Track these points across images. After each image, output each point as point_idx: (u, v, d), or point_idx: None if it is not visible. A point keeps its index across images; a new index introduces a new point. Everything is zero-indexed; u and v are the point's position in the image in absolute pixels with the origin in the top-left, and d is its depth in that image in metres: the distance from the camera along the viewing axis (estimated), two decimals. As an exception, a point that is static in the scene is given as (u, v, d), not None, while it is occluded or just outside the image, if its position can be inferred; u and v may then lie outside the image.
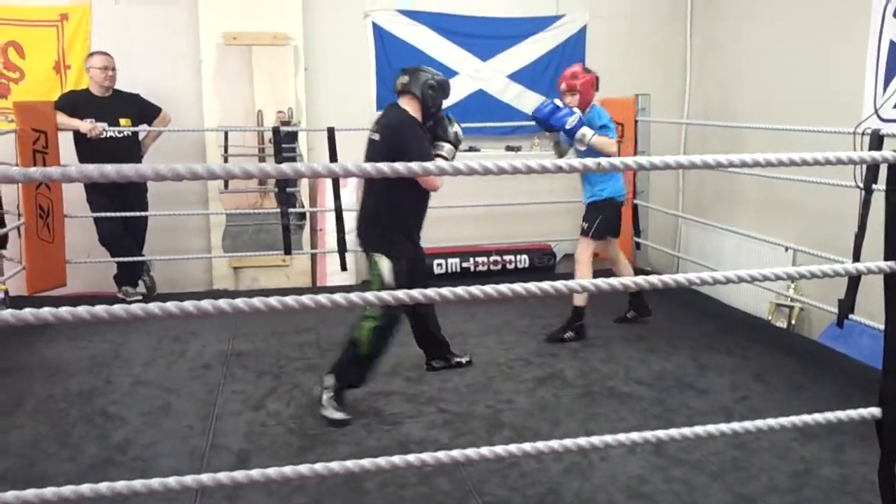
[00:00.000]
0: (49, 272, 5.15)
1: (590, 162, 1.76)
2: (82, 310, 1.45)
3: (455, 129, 3.80)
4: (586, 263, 4.56)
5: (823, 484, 2.92)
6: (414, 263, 3.65)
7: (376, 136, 3.62)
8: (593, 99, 4.60)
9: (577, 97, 4.52)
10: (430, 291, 1.65)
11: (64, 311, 1.45)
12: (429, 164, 1.60)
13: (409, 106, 3.68)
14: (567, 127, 4.34)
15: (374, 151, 3.57)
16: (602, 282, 1.82)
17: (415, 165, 1.56)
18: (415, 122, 3.65)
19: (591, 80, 4.59)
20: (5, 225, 5.12)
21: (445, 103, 3.79)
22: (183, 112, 5.73)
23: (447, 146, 3.76)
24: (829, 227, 4.76)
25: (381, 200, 3.59)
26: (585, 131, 4.34)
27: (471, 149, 6.40)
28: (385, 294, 1.59)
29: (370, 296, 1.57)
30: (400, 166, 1.54)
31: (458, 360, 4.16)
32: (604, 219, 4.57)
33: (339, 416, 3.44)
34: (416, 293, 1.62)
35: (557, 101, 4.45)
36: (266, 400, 3.73)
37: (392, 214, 3.59)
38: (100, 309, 1.46)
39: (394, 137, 3.55)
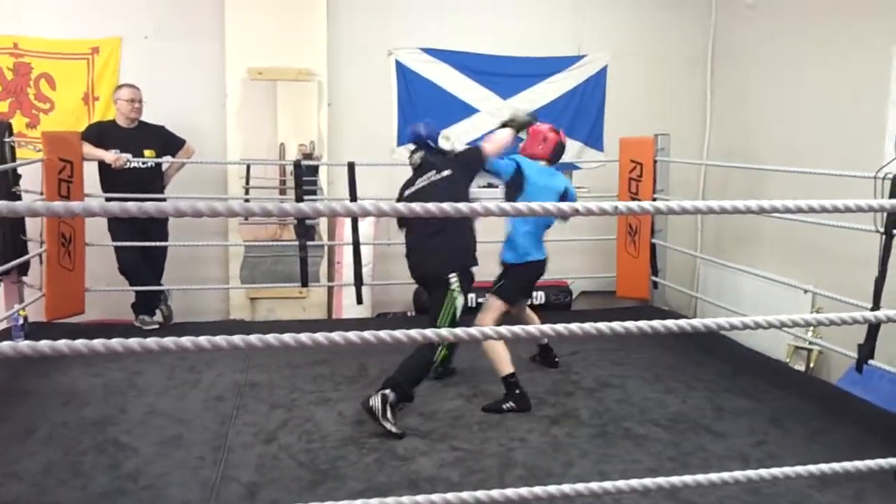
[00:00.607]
0: (68, 299, 5.21)
1: (607, 206, 1.76)
2: (98, 342, 1.46)
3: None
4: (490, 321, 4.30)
5: (842, 534, 2.85)
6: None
7: (446, 172, 4.07)
8: (540, 156, 4.45)
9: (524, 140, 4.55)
10: (450, 331, 1.65)
11: (79, 343, 1.46)
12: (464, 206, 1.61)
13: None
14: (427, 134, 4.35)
15: (447, 187, 4.03)
16: (615, 325, 1.81)
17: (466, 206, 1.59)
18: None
19: (542, 134, 4.48)
20: (27, 252, 5.20)
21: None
22: (206, 144, 5.82)
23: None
24: (849, 270, 4.72)
25: (456, 233, 4.00)
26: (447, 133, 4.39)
27: (489, 185, 6.43)
28: (410, 332, 1.59)
29: (384, 334, 1.57)
30: (418, 207, 1.55)
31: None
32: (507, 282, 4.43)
33: (398, 431, 3.64)
34: (430, 332, 1.62)
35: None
36: (278, 433, 3.72)
37: (462, 245, 4.06)
38: (115, 342, 1.48)
39: (467, 168, 4.15)
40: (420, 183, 4.13)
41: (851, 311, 1.91)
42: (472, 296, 4.40)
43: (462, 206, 1.58)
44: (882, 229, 3.77)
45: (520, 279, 4.50)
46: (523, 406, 4.06)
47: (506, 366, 4.12)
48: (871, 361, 3.90)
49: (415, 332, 1.67)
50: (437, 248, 4.00)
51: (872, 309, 3.81)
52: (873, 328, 3.82)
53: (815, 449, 3.57)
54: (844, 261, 4.83)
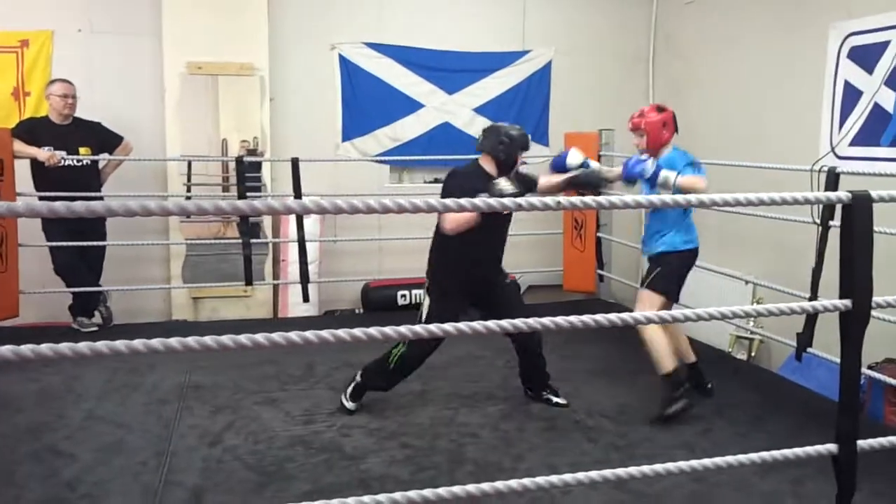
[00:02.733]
0: (1, 303, 5.01)
1: (550, 201, 1.77)
2: (26, 348, 1.40)
3: (503, 185, 3.57)
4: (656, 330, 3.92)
5: (783, 519, 2.92)
6: (458, 300, 3.85)
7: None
8: (668, 140, 4.02)
9: (644, 138, 4.00)
10: (404, 329, 1.63)
11: (6, 349, 1.39)
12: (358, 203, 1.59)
13: (485, 161, 3.82)
14: (646, 176, 3.81)
15: None
16: (552, 320, 1.81)
17: (342, 204, 1.56)
18: (464, 173, 3.83)
19: (662, 119, 3.98)
20: (-43, 254, 4.98)
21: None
22: (145, 141, 5.66)
23: (502, 184, 3.59)
24: (788, 261, 4.84)
25: (433, 243, 3.91)
26: (668, 174, 3.75)
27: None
28: (341, 332, 1.57)
29: (326, 333, 1.54)
30: (344, 204, 1.52)
31: (549, 397, 4.12)
32: (662, 272, 4.00)
33: (350, 405, 3.92)
34: (379, 330, 1.60)
35: (641, 156, 3.96)
36: (223, 435, 3.64)
37: (437, 255, 3.89)
38: (45, 347, 1.41)
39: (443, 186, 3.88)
40: None
41: (791, 302, 1.96)
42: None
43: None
44: (819, 221, 3.87)
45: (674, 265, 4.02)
46: (687, 405, 3.80)
47: (667, 362, 3.82)
48: (809, 349, 4.01)
49: (358, 332, 1.64)
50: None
51: (810, 299, 3.91)
52: (811, 317, 3.92)
53: (757, 436, 3.66)
54: (784, 252, 4.96)
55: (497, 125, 3.90)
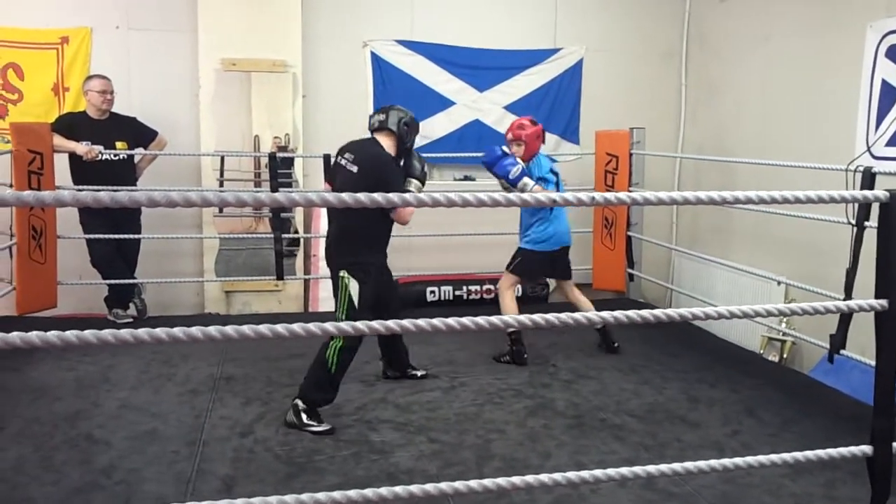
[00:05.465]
0: (40, 293, 5.12)
1: (584, 196, 1.77)
2: (70, 334, 1.44)
3: (422, 166, 4.00)
4: (508, 293, 4.85)
5: (814, 521, 2.89)
6: (378, 284, 3.87)
7: (353, 168, 3.79)
8: (539, 150, 4.77)
9: (522, 147, 4.69)
10: (412, 322, 1.64)
11: (52, 334, 1.44)
12: (409, 196, 1.62)
13: (386, 142, 3.86)
14: (510, 177, 4.54)
15: (351, 182, 3.72)
16: (594, 314, 1.82)
17: (395, 197, 1.58)
18: (392, 158, 3.86)
19: (536, 132, 4.74)
20: (-3, 245, 5.11)
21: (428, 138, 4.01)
22: (180, 136, 5.75)
23: (415, 182, 3.94)
24: (822, 261, 4.78)
25: (350, 226, 3.78)
26: (527, 181, 4.55)
27: (466, 178, 6.44)
28: (374, 323, 1.59)
29: (361, 325, 1.56)
30: (380, 197, 1.54)
31: (415, 372, 4.38)
32: (524, 261, 4.82)
33: (323, 427, 3.62)
34: (394, 323, 1.62)
35: (505, 149, 4.66)
36: (254, 426, 3.69)
37: (361, 238, 3.80)
38: (88, 333, 1.45)
39: (375, 171, 3.74)
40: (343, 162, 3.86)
41: (824, 302, 1.94)
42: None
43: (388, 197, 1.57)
44: (854, 221, 3.82)
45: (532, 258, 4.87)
46: (517, 361, 4.66)
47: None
48: (843, 352, 3.95)
49: (391, 323, 1.66)
50: (330, 240, 3.91)
51: (844, 300, 3.86)
52: (845, 318, 3.87)
53: (788, 438, 3.62)
54: (818, 252, 4.90)
55: (392, 106, 3.95)
